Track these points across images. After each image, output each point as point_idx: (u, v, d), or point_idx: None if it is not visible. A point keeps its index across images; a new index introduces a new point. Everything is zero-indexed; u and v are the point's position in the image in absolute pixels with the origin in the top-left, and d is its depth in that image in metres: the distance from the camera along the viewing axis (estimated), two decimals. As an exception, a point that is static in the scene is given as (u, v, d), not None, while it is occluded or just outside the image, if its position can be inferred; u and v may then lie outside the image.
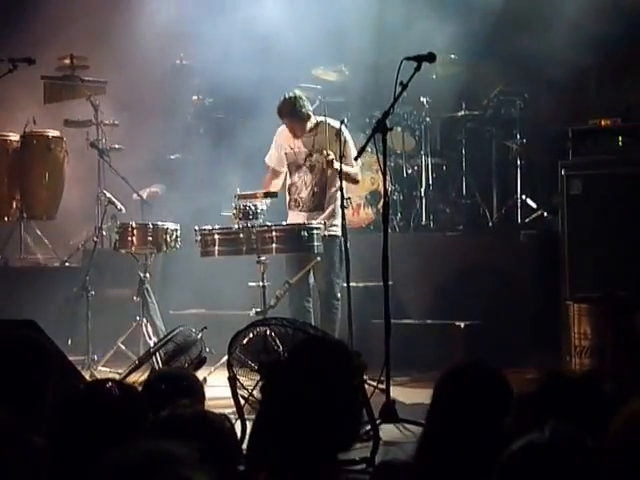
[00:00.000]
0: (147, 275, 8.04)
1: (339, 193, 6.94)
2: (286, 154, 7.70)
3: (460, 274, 8.43)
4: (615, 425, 2.15)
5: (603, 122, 7.61)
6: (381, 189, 7.58)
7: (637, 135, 7.53)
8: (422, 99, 9.30)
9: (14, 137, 9.45)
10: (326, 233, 7.26)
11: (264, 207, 7.20)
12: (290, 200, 7.69)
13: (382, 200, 6.66)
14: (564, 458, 2.02)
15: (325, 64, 9.71)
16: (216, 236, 7.17)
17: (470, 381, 2.84)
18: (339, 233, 7.23)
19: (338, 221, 7.23)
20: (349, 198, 7.35)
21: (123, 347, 7.87)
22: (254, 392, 5.32)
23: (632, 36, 8.71)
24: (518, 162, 9.12)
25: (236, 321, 6.61)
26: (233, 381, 5.51)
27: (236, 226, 7.14)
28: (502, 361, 4.86)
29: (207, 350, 6.09)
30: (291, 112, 7.47)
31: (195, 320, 7.41)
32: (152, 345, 6.98)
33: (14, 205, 9.46)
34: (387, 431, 5.61)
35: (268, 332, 5.47)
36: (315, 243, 7.11)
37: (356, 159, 6.85)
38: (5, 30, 10.21)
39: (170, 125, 10.20)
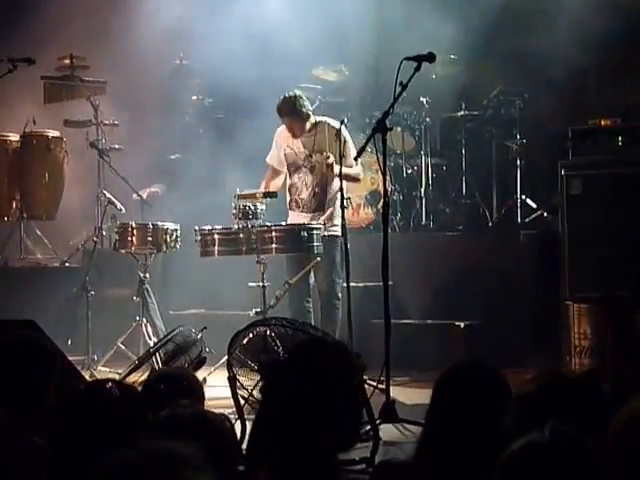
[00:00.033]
0: (147, 275, 8.04)
1: (339, 193, 6.94)
2: (285, 154, 7.70)
3: (460, 274, 8.43)
4: (615, 425, 2.15)
5: (603, 122, 7.61)
6: (381, 189, 7.58)
7: (637, 135, 7.53)
8: (422, 99, 9.30)
9: (14, 137, 9.45)
10: (326, 233, 7.26)
11: (264, 207, 7.21)
12: (291, 201, 7.69)
13: (382, 200, 6.66)
14: (564, 458, 2.02)
15: (325, 64, 9.71)
16: (216, 236, 7.17)
17: (469, 381, 2.84)
18: (339, 233, 7.23)
19: (338, 221, 7.23)
20: (349, 198, 7.35)
21: (123, 347, 7.87)
22: (254, 392, 5.32)
23: (632, 36, 8.72)
24: (518, 162, 9.11)
25: (236, 321, 6.61)
26: (233, 381, 5.51)
27: (236, 226, 7.14)
28: (502, 361, 4.86)
29: (207, 350, 6.09)
30: (291, 111, 7.47)
31: (195, 320, 7.42)
32: (152, 345, 6.97)
33: (14, 205, 9.46)
34: (387, 431, 5.61)
35: (268, 332, 5.47)
36: (315, 243, 7.11)
37: (356, 159, 6.85)
38: (5, 30, 10.21)
39: (170, 125, 10.20)
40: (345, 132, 7.35)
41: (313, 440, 2.56)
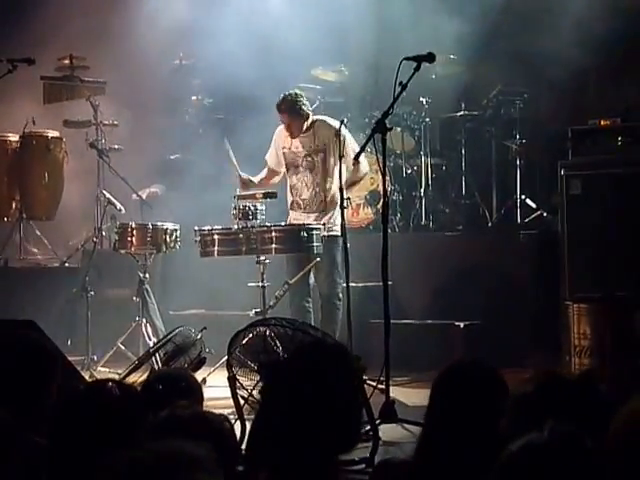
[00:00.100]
0: (147, 275, 8.04)
1: (339, 193, 6.93)
2: (284, 154, 7.70)
3: (460, 274, 8.43)
4: (615, 425, 2.15)
5: (603, 122, 7.61)
6: (381, 189, 7.57)
7: (637, 135, 7.53)
8: (422, 99, 9.30)
9: (13, 137, 9.45)
10: (326, 233, 7.25)
11: (264, 207, 7.21)
12: (292, 202, 7.68)
13: (382, 200, 6.66)
14: (563, 458, 2.02)
15: (324, 64, 9.71)
16: (215, 236, 7.17)
17: (467, 380, 2.84)
18: (339, 233, 7.22)
19: (338, 221, 7.23)
20: (349, 198, 7.35)
21: (123, 347, 7.87)
22: (254, 392, 5.32)
23: (632, 36, 8.71)
24: (518, 162, 9.11)
25: (236, 321, 6.61)
26: (233, 381, 5.51)
27: (236, 226, 7.14)
28: (502, 361, 4.87)
29: (207, 350, 6.10)
30: (291, 108, 7.46)
31: (195, 320, 7.42)
32: (152, 345, 6.98)
33: (13, 205, 9.47)
34: (387, 431, 5.61)
35: (268, 332, 5.46)
36: (315, 243, 7.11)
37: (355, 159, 6.84)
38: (5, 30, 10.22)
39: (170, 125, 10.21)
40: (345, 131, 7.34)
41: (313, 440, 2.56)
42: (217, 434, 2.73)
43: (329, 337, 5.77)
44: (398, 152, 9.36)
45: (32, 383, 3.40)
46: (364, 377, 5.15)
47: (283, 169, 7.75)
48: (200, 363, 5.88)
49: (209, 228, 7.22)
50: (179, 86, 10.33)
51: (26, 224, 9.51)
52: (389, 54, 8.17)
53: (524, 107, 9.18)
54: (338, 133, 7.14)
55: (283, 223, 7.33)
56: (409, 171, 9.44)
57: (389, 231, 6.11)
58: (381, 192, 7.44)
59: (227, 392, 5.58)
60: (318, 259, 7.18)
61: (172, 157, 10.12)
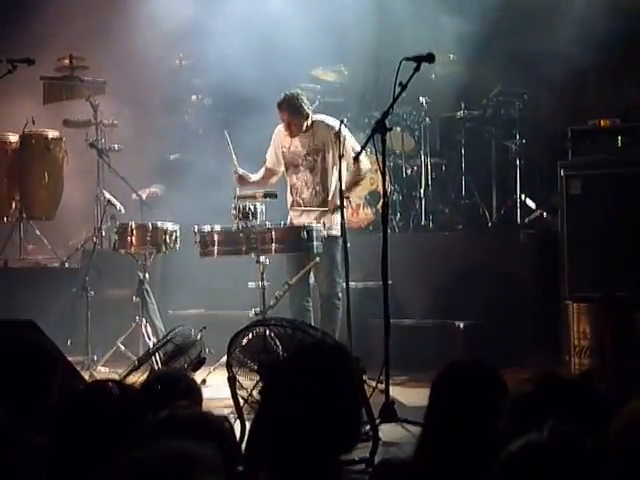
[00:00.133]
0: (146, 275, 8.04)
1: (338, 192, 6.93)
2: (283, 154, 7.70)
3: (460, 274, 8.43)
4: (615, 425, 2.15)
5: (602, 122, 7.61)
6: (380, 189, 7.57)
7: (636, 135, 7.53)
8: (421, 99, 9.30)
9: (13, 137, 9.45)
10: (326, 233, 7.26)
11: (264, 207, 7.21)
12: (293, 202, 7.68)
13: (381, 200, 6.65)
14: (563, 458, 2.02)
15: (324, 64, 9.71)
16: (215, 236, 7.17)
17: (466, 380, 2.84)
18: (339, 233, 7.22)
19: (338, 221, 7.23)
20: (348, 198, 7.35)
21: (122, 347, 7.87)
22: (253, 392, 5.32)
23: (631, 36, 8.71)
24: (517, 162, 9.11)
25: (236, 321, 6.60)
26: (232, 381, 5.51)
27: (235, 226, 7.14)
28: (502, 361, 4.88)
29: (206, 350, 6.09)
30: (292, 107, 7.46)
31: (194, 320, 7.42)
32: (151, 345, 6.98)
33: (13, 205, 9.47)
34: (387, 431, 5.61)
35: (267, 332, 5.46)
36: (314, 243, 7.11)
37: (355, 159, 6.85)
38: (5, 30, 10.22)
39: (170, 125, 10.21)
40: (345, 130, 7.34)
41: (313, 440, 2.56)
42: (217, 434, 2.73)
43: (329, 337, 5.76)
44: (398, 152, 9.36)
45: (32, 383, 3.40)
46: (364, 377, 5.15)
47: (282, 169, 7.75)
48: (200, 363, 5.88)
49: (209, 228, 7.22)
50: (179, 86, 10.34)
51: (26, 224, 9.52)
52: (389, 54, 8.17)
53: (524, 107, 9.18)
54: (338, 133, 7.14)
55: (283, 223, 7.33)
56: (409, 171, 9.43)
57: (389, 231, 6.11)
58: (381, 192, 7.44)
59: (227, 392, 5.58)
60: (318, 259, 7.18)
61: (172, 157, 10.13)
